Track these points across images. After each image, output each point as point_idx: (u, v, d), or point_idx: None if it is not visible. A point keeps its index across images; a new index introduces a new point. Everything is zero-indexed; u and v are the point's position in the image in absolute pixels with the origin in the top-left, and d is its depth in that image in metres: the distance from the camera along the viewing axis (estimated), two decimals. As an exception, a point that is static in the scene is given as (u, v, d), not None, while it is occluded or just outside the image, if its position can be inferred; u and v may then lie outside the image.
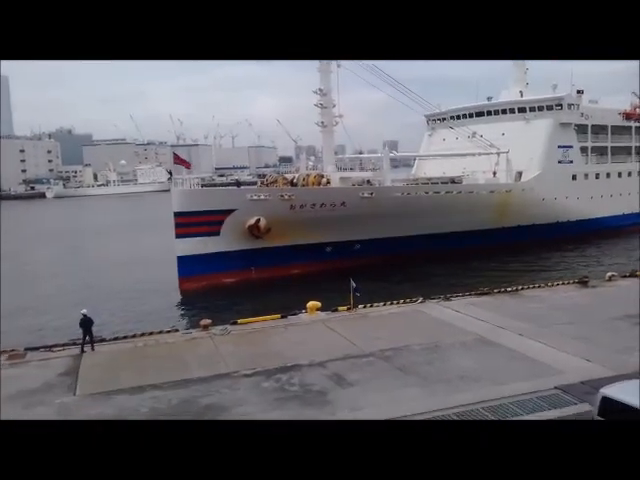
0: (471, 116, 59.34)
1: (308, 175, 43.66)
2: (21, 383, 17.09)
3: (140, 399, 15.84)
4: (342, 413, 14.53)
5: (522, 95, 58.14)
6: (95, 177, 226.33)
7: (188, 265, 36.62)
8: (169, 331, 22.89)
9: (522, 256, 44.67)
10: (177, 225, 37.14)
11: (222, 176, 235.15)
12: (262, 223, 38.13)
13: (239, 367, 18.26)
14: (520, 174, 52.49)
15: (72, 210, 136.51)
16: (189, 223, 36.69)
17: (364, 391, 15.98)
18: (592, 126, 58.72)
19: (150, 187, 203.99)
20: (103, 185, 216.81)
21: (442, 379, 16.77)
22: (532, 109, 55.45)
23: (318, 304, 24.60)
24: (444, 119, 61.42)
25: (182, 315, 32.10)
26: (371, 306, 25.48)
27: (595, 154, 59.31)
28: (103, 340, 21.58)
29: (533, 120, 54.87)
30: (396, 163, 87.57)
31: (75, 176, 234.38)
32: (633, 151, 63.84)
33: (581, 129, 57.36)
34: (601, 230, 55.22)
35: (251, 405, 15.23)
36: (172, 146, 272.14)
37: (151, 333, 22.38)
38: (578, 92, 57.66)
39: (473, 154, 52.31)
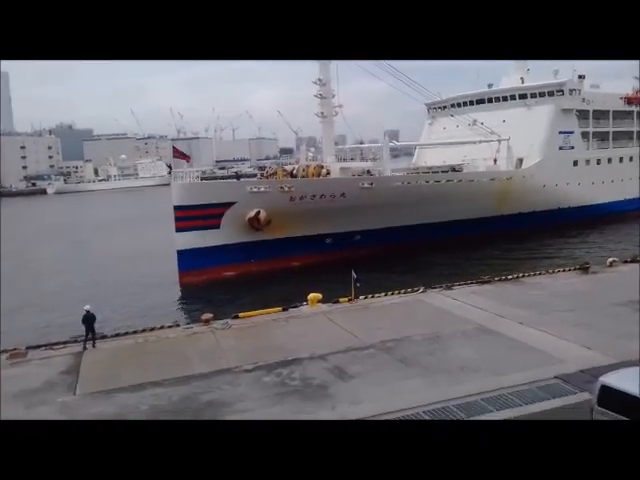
0: (472, 104, 59.06)
1: (308, 166, 43.52)
2: (23, 382, 17.13)
3: (140, 397, 15.84)
4: (342, 407, 14.53)
5: (523, 81, 57.85)
6: (96, 172, 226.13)
7: (188, 259, 36.66)
8: (170, 326, 22.87)
9: (524, 243, 44.66)
10: (177, 219, 37.17)
11: (223, 169, 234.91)
12: (262, 215, 38.09)
13: (240, 362, 18.26)
14: (521, 161, 52.32)
15: (73, 206, 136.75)
16: (189, 217, 36.70)
17: (365, 384, 15.96)
18: (593, 111, 58.43)
19: (151, 181, 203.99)
20: (104, 180, 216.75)
21: (443, 370, 16.76)
22: (533, 95, 55.15)
23: (319, 296, 24.58)
24: (445, 107, 61.20)
25: (183, 310, 32.17)
26: (372, 297, 25.46)
27: (596, 139, 59.02)
28: (104, 337, 21.57)
29: (534, 106, 54.58)
30: (397, 152, 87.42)
31: (76, 171, 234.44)
32: (635, 136, 63.49)
33: (582, 114, 57.08)
34: (603, 216, 55.07)
35: (251, 401, 15.22)
36: (173, 140, 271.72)
37: (152, 329, 22.36)
38: (579, 77, 57.34)
39: (474, 142, 52.10)
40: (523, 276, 27.96)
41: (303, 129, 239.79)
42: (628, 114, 63.41)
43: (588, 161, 57.35)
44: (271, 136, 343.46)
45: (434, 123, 63.80)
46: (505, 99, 56.76)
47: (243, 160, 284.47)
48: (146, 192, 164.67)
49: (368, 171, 45.61)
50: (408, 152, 72.80)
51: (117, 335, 21.91)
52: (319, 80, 44.45)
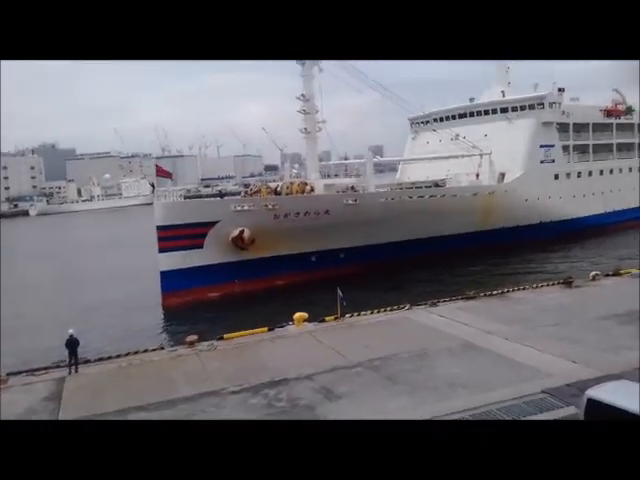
0: (454, 118, 59.59)
1: (292, 183, 43.41)
2: (4, 410, 16.72)
3: (124, 422, 15.58)
4: (329, 428, 14.38)
5: (504, 95, 58.40)
6: (79, 192, 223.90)
7: (171, 280, 36.26)
8: (154, 349, 22.60)
9: (507, 258, 44.85)
10: (160, 239, 36.80)
11: (208, 187, 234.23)
12: (246, 234, 37.84)
13: (226, 384, 18.07)
14: (503, 175, 52.74)
15: (55, 227, 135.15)
16: (172, 237, 36.37)
17: (353, 404, 15.85)
18: (574, 124, 59.15)
19: (135, 200, 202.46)
20: (87, 200, 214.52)
21: (430, 387, 16.73)
22: (514, 109, 55.75)
23: (305, 315, 24.47)
24: (427, 122, 61.68)
25: (167, 332, 31.75)
26: (358, 315, 25.40)
27: (577, 152, 59.71)
28: (87, 361, 21.25)
29: (515, 120, 55.17)
30: (382, 168, 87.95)
31: (59, 192, 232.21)
32: (614, 148, 64.36)
33: (563, 127, 57.76)
34: (584, 229, 55.55)
35: (237, 423, 15.02)
36: (157, 158, 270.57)
37: (136, 352, 22.07)
38: (559, 90, 57.99)
39: (456, 156, 52.50)
40: (508, 291, 28.10)
41: (288, 145, 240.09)
42: (607, 126, 64.35)
43: (569, 175, 57.94)
44: (256, 153, 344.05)
45: (417, 138, 64.24)
46: (487, 113, 57.26)
47: (228, 178, 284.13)
48: (130, 212, 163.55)
49: (352, 187, 45.55)
50: (393, 167, 73.17)
51: (100, 359, 21.57)
52: (302, 96, 44.57)
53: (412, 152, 64.02)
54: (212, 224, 37.64)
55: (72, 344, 19.87)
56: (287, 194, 41.95)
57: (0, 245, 72.14)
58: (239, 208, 38.16)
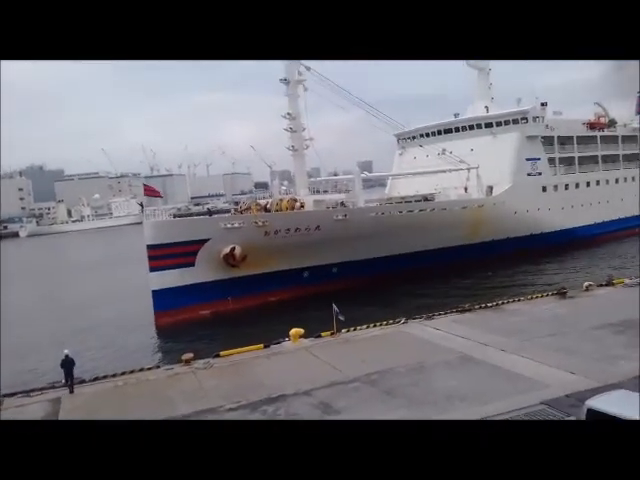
0: (440, 133, 60.16)
1: (281, 200, 43.37)
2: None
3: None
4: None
5: (488, 110, 59.11)
6: (69, 213, 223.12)
7: (163, 299, 36.07)
8: (150, 368, 22.44)
9: (500, 270, 45.03)
10: (150, 258, 36.63)
11: (198, 205, 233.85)
12: (237, 251, 37.77)
13: (224, 401, 17.96)
14: (491, 188, 53.13)
15: (46, 248, 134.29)
16: (162, 255, 36.22)
17: (351, 418, 15.78)
18: (558, 137, 59.81)
19: (126, 220, 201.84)
20: (78, 221, 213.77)
21: (428, 400, 16.71)
22: (498, 124, 56.39)
23: (301, 331, 24.40)
24: (414, 137, 62.25)
25: (163, 350, 31.51)
26: (354, 330, 25.38)
27: (563, 165, 60.37)
28: (83, 381, 21.05)
29: (500, 134, 55.76)
30: (372, 183, 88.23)
31: (48, 213, 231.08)
32: (600, 160, 65.22)
33: (547, 141, 58.38)
34: (575, 240, 56.06)
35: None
36: (146, 177, 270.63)
37: (132, 371, 21.90)
38: (542, 105, 58.72)
39: (444, 171, 52.93)
40: (503, 303, 28.24)
41: (277, 162, 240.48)
42: (592, 139, 65.22)
43: (556, 187, 58.55)
44: (246, 170, 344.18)
45: (404, 153, 64.72)
46: (472, 128, 57.85)
47: (218, 195, 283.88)
48: (121, 231, 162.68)
49: (342, 203, 45.56)
50: (382, 183, 73.55)
51: (96, 379, 21.37)
52: (288, 114, 44.90)
53: (400, 167, 64.47)
54: (202, 242, 37.55)
55: (68, 364, 19.69)
56: (277, 211, 41.95)
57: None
58: (229, 225, 38.11)
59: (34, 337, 36.56)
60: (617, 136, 68.83)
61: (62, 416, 17.68)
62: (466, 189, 52.11)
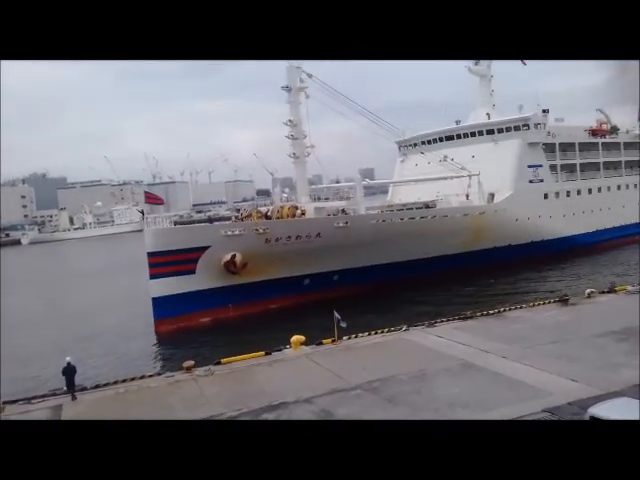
0: (441, 140, 60.17)
1: (282, 207, 43.40)
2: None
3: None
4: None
5: (489, 117, 59.14)
6: (71, 220, 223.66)
7: (163, 306, 36.03)
8: (151, 375, 22.41)
9: (501, 277, 44.93)
10: (151, 265, 36.61)
11: (200, 212, 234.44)
12: (238, 259, 37.74)
13: (225, 408, 17.90)
14: (492, 195, 53.11)
15: (47, 256, 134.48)
16: (163, 263, 36.20)
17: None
18: (560, 144, 59.76)
19: (128, 227, 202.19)
20: (80, 228, 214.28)
21: (430, 408, 16.65)
22: (500, 130, 56.37)
23: (302, 338, 24.36)
24: (415, 144, 62.27)
25: (163, 357, 31.44)
26: (355, 337, 25.32)
27: (565, 172, 60.32)
28: (84, 389, 21.03)
29: (502, 141, 55.72)
30: (374, 190, 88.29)
31: (50, 220, 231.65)
32: (601, 167, 65.18)
33: (549, 148, 58.33)
34: (576, 247, 55.94)
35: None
36: (149, 185, 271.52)
37: (133, 378, 21.86)
38: (544, 111, 58.72)
39: (445, 178, 52.92)
40: (504, 310, 28.16)
41: (279, 170, 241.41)
42: (594, 145, 65.15)
43: (558, 194, 58.47)
44: (248, 178, 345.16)
45: (406, 160, 64.73)
46: (473, 135, 57.84)
47: (220, 203, 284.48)
48: (123, 239, 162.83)
49: (343, 210, 45.58)
50: (384, 190, 73.57)
51: (97, 386, 21.35)
52: (290, 121, 44.98)
53: (401, 174, 64.47)
54: (203, 249, 37.54)
55: (69, 372, 19.67)
56: (277, 218, 41.95)
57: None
58: (230, 233, 38.10)
59: (36, 344, 36.54)
60: (619, 143, 68.81)
61: (63, 424, 17.67)
62: (467, 196, 52.04)
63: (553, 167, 58.57)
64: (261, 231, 38.72)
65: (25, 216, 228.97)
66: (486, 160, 53.21)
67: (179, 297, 36.53)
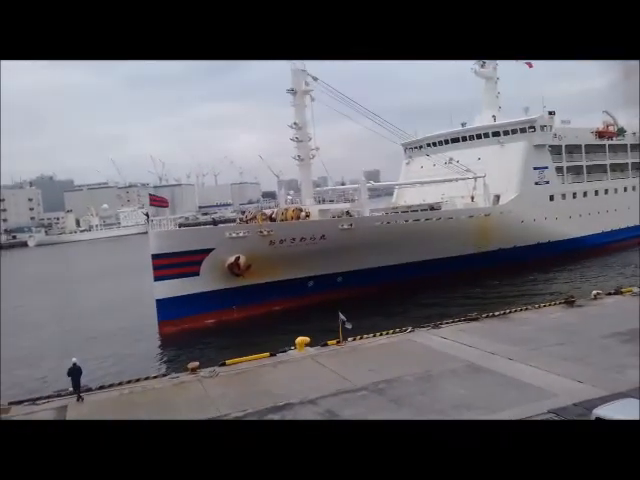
0: (447, 142, 60.06)
1: (287, 209, 43.40)
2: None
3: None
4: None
5: (495, 119, 59.05)
6: (77, 222, 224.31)
7: (167, 308, 36.09)
8: (156, 376, 22.45)
9: (507, 279, 44.80)
10: (155, 267, 36.68)
11: (206, 214, 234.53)
12: (242, 261, 37.77)
13: (230, 409, 17.92)
14: (498, 197, 52.98)
15: (53, 258, 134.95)
16: (167, 265, 36.27)
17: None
18: (566, 146, 59.54)
19: (134, 229, 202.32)
20: (86, 230, 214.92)
21: (436, 409, 16.61)
22: (506, 133, 56.22)
23: (307, 339, 24.36)
24: (421, 147, 62.22)
25: (168, 359, 31.48)
26: (361, 338, 25.30)
27: (571, 173, 60.08)
28: (89, 389, 21.10)
29: (507, 143, 55.54)
30: (379, 192, 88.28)
31: (57, 222, 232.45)
32: (608, 169, 64.89)
33: (555, 149, 58.11)
34: (583, 249, 55.69)
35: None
36: (155, 187, 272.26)
37: (138, 379, 21.92)
38: (550, 113, 58.51)
39: (450, 180, 52.83)
40: (510, 312, 28.07)
41: (284, 172, 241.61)
42: (600, 147, 64.89)
43: (564, 195, 58.23)
44: (253, 180, 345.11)
45: (411, 162, 64.64)
46: (479, 137, 57.70)
47: (226, 205, 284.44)
48: (129, 241, 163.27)
49: (347, 212, 45.50)
50: (389, 192, 73.50)
51: (102, 387, 21.41)
52: (295, 124, 45.03)
53: (407, 176, 64.34)
54: (207, 251, 37.59)
55: (75, 372, 19.73)
56: (282, 220, 41.94)
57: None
58: (234, 235, 38.11)
59: (43, 346, 36.71)
60: (626, 145, 68.48)
61: (68, 424, 17.73)
62: (473, 198, 51.93)
63: (559, 169, 58.34)
64: (265, 233, 38.73)
65: (32, 218, 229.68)
66: (492, 162, 53.07)
67: (183, 299, 36.59)
